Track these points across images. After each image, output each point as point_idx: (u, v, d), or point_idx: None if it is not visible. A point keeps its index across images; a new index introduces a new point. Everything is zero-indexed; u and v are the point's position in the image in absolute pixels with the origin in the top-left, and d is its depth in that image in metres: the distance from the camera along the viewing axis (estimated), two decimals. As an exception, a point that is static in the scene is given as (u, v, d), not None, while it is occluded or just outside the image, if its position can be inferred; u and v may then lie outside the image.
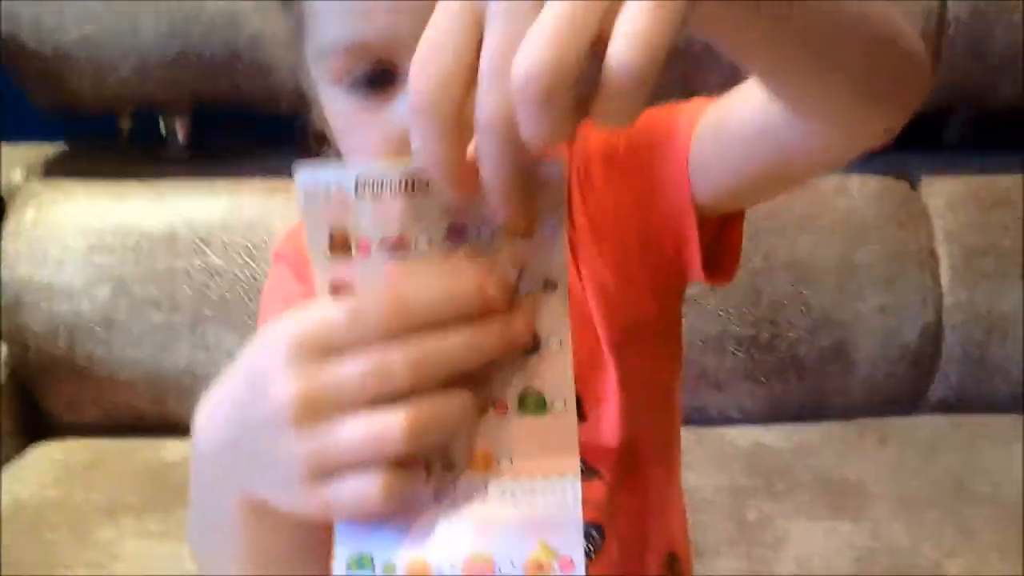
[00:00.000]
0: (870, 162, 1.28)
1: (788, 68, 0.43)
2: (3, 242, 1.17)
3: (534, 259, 0.31)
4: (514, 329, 0.32)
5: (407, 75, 0.39)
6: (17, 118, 1.37)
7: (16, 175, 1.26)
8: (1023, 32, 1.21)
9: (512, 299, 0.31)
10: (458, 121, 0.28)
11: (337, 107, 0.55)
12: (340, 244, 0.31)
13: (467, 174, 0.29)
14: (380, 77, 0.53)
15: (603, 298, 0.61)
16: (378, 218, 0.30)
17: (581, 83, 0.27)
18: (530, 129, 0.27)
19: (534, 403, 0.32)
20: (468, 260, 0.31)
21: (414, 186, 0.30)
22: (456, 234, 0.31)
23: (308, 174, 0.30)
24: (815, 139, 0.50)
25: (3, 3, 1.12)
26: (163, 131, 1.29)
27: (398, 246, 0.31)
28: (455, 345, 0.31)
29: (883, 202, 1.26)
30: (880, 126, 0.50)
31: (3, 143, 1.37)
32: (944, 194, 1.28)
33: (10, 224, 1.18)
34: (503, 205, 0.29)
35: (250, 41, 1.13)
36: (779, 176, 0.56)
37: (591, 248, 0.61)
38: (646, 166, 0.59)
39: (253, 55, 1.13)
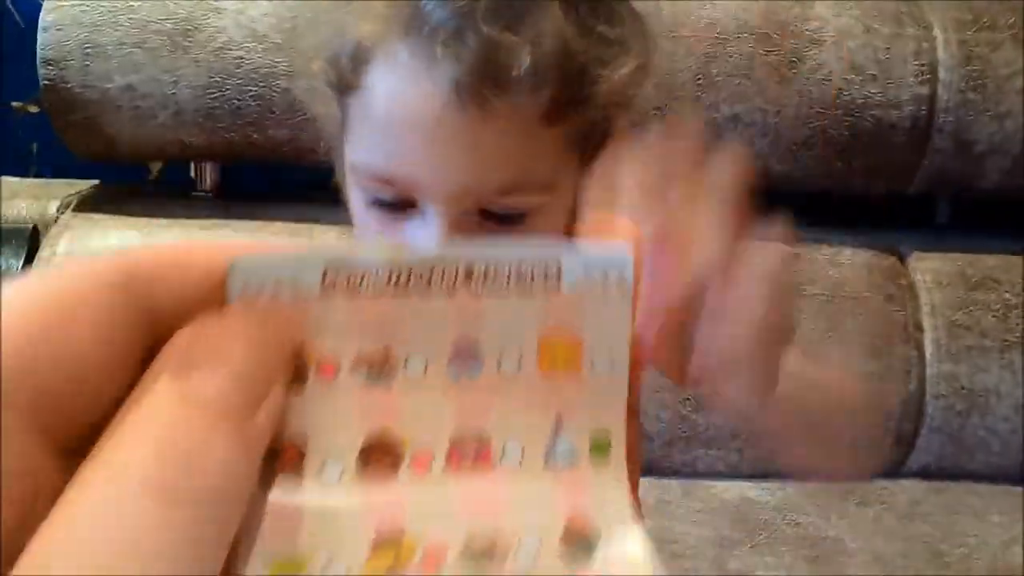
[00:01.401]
0: (863, 237, 1.35)
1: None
2: (37, 270, 1.24)
3: (577, 406, 0.22)
4: None
5: (423, 205, 0.45)
6: (54, 158, 1.45)
7: (51, 208, 1.33)
8: (1009, 121, 1.28)
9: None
10: None
11: (356, 201, 0.62)
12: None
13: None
14: (399, 202, 0.58)
15: None
16: (353, 324, 0.21)
17: None
18: None
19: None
20: (478, 396, 0.21)
21: (409, 280, 0.21)
22: (465, 357, 0.21)
23: (247, 262, 0.20)
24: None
25: (52, 49, 1.20)
26: (193, 175, 1.37)
27: (380, 366, 0.21)
28: None
29: (873, 275, 1.32)
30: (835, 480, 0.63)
31: (41, 179, 1.45)
32: (932, 271, 1.34)
33: (44, 253, 1.25)
34: None
35: (283, 97, 1.20)
36: None
37: None
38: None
39: (285, 111, 1.21)
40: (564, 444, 0.21)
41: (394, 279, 0.21)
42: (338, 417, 0.21)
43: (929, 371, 1.28)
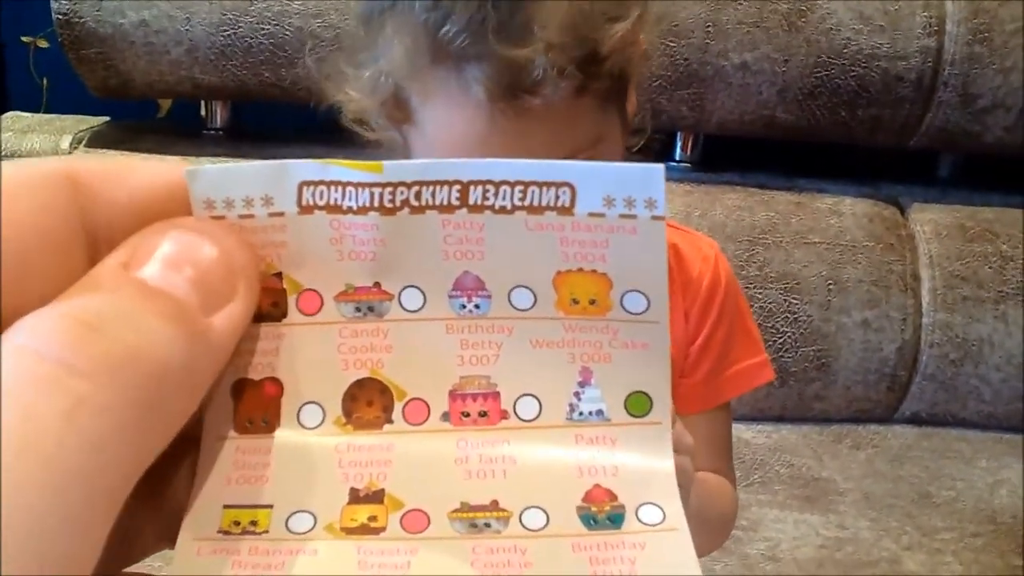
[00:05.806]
0: (865, 188, 1.37)
1: None
2: None
3: (608, 355, 0.18)
4: None
5: None
6: (64, 94, 1.46)
7: (63, 143, 1.35)
8: (1014, 75, 1.29)
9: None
10: None
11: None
12: (263, 298, 0.18)
13: None
14: None
15: None
16: (337, 251, 0.18)
17: None
18: None
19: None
20: (485, 335, 0.18)
21: (395, 201, 0.17)
22: (468, 288, 0.18)
23: (209, 173, 0.17)
24: None
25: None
26: (203, 113, 1.38)
27: (370, 297, 0.18)
28: None
29: (874, 225, 1.34)
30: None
31: (52, 114, 1.46)
32: (931, 222, 1.37)
33: (58, 189, 1.26)
34: None
35: (295, 36, 1.21)
36: None
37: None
38: (712, 310, 0.75)
39: (296, 50, 1.22)
40: (591, 399, 0.18)
41: (378, 200, 0.17)
42: (321, 356, 0.18)
43: (925, 320, 1.31)
